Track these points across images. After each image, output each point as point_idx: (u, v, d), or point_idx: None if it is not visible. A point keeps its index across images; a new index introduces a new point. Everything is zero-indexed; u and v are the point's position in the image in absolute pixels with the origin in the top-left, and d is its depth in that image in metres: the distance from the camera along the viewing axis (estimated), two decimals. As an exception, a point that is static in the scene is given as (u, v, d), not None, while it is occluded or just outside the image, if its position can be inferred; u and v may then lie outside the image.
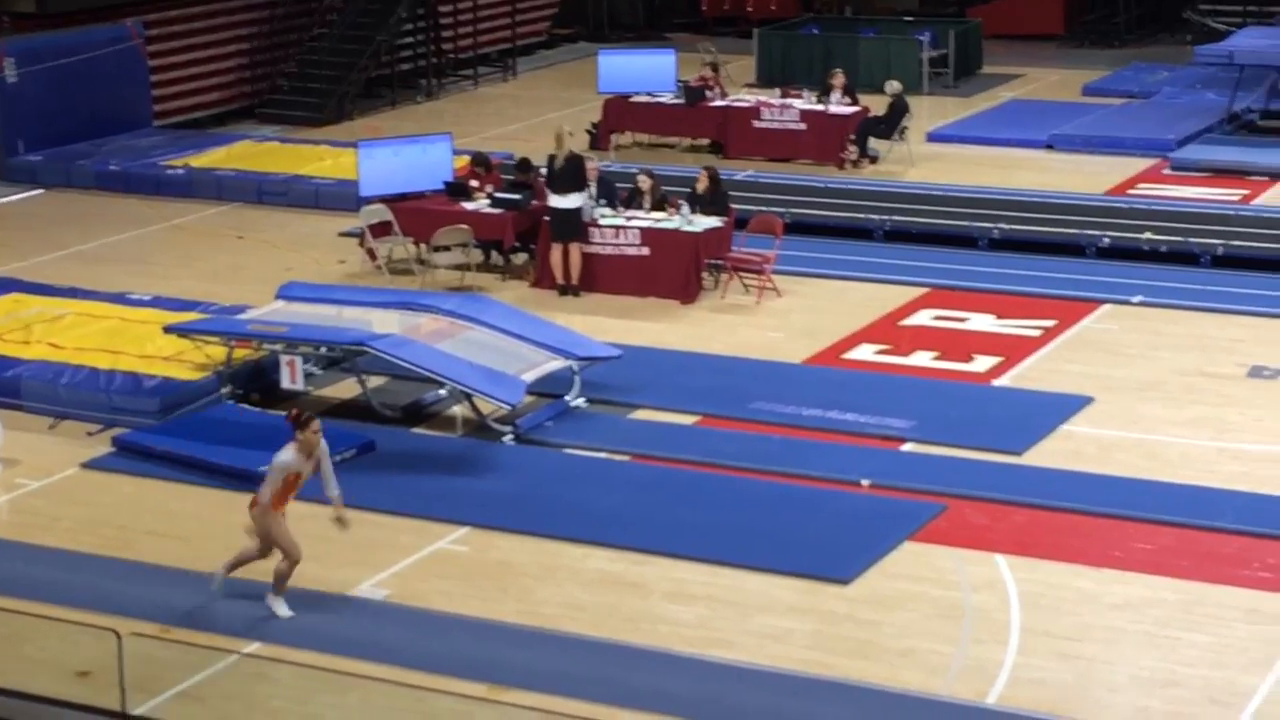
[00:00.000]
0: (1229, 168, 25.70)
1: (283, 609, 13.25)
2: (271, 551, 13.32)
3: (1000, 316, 19.76)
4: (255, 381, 17.61)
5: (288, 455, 13.08)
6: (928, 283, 20.96)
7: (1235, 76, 28.18)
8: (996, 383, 17.93)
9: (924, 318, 19.90)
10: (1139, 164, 26.29)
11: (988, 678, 12.24)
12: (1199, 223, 22.50)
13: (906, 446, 16.32)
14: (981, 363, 18.39)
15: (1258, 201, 24.31)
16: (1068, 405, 17.09)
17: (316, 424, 13.15)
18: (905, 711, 11.83)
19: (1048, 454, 16.03)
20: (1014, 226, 22.62)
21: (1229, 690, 12.01)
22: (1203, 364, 18.23)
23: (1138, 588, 13.53)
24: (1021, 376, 18.06)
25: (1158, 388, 17.62)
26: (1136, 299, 20.29)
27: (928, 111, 29.36)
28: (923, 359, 18.56)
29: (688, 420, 17.07)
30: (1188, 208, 23.52)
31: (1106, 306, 20.09)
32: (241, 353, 17.58)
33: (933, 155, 27.23)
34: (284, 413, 13.97)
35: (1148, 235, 22.02)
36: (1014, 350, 18.73)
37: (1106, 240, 22.07)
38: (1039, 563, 13.93)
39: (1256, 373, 17.98)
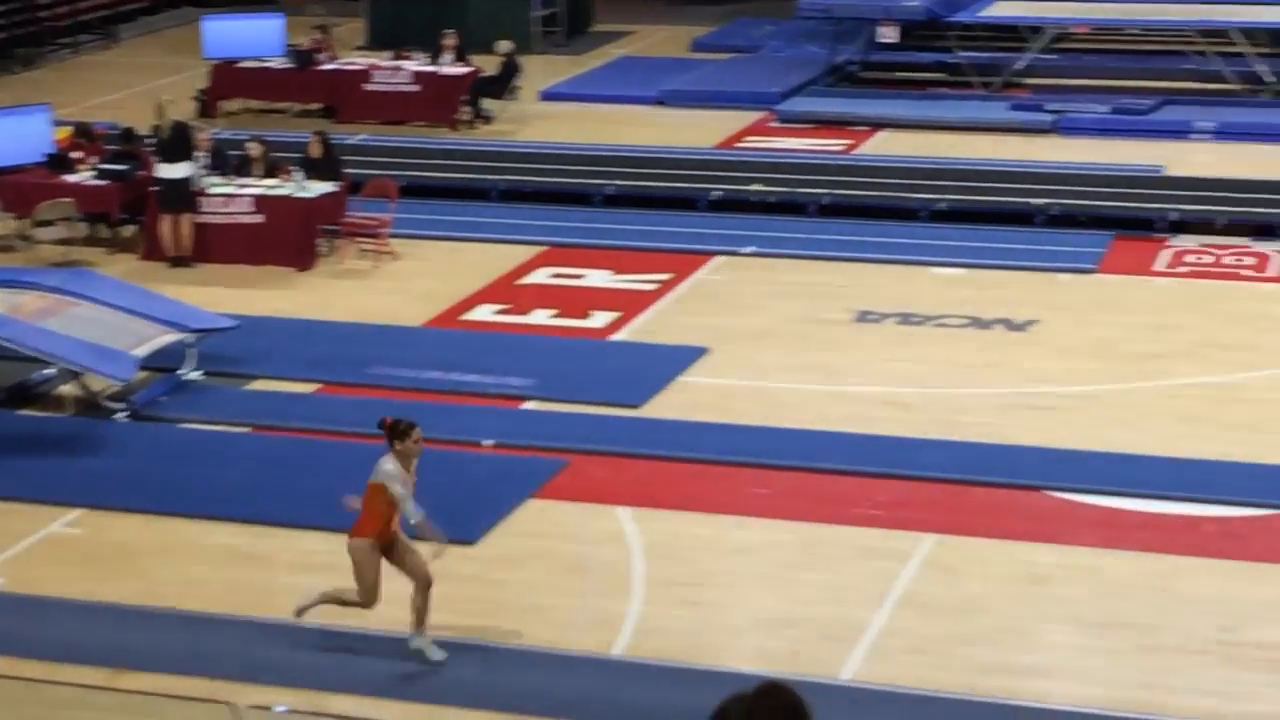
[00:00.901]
0: (832, 118, 26.42)
1: (437, 653, 11.72)
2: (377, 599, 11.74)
3: (617, 272, 19.98)
4: None
5: (392, 465, 11.40)
6: (544, 241, 21.08)
7: (835, 29, 28.99)
8: (614, 338, 18.14)
9: (542, 276, 20.01)
10: (747, 117, 26.84)
11: (614, 629, 12.38)
12: (805, 173, 23.10)
13: (527, 405, 16.40)
14: (599, 318, 18.58)
15: (860, 151, 25.05)
16: (684, 357, 17.38)
17: (418, 432, 11.49)
18: (533, 668, 11.88)
19: (665, 406, 16.28)
20: (627, 183, 22.91)
21: (845, 626, 12.37)
22: (812, 311, 18.73)
23: (757, 531, 13.85)
24: (639, 330, 18.30)
25: (771, 335, 18.04)
26: (748, 249, 20.73)
27: (540, 70, 29.47)
28: (541, 317, 18.67)
29: (307, 389, 16.87)
30: (794, 159, 24.11)
31: (719, 258, 20.49)
32: None
33: (546, 114, 27.38)
34: None
35: (756, 187, 22.52)
36: (631, 305, 18.96)
37: (718, 193, 22.50)
38: (660, 513, 14.15)
39: (863, 317, 18.55)
